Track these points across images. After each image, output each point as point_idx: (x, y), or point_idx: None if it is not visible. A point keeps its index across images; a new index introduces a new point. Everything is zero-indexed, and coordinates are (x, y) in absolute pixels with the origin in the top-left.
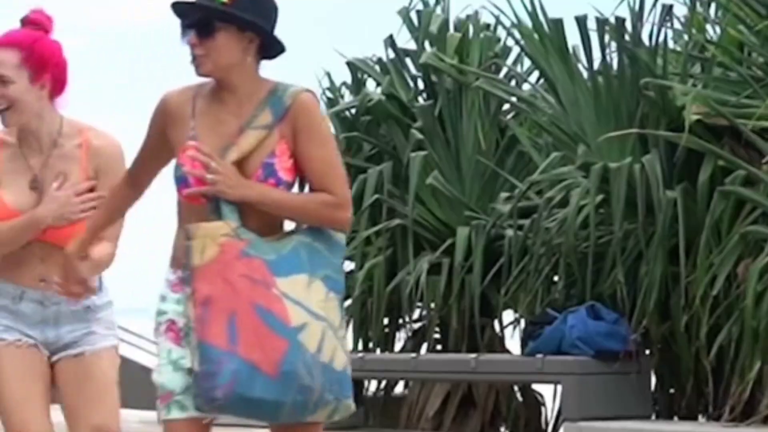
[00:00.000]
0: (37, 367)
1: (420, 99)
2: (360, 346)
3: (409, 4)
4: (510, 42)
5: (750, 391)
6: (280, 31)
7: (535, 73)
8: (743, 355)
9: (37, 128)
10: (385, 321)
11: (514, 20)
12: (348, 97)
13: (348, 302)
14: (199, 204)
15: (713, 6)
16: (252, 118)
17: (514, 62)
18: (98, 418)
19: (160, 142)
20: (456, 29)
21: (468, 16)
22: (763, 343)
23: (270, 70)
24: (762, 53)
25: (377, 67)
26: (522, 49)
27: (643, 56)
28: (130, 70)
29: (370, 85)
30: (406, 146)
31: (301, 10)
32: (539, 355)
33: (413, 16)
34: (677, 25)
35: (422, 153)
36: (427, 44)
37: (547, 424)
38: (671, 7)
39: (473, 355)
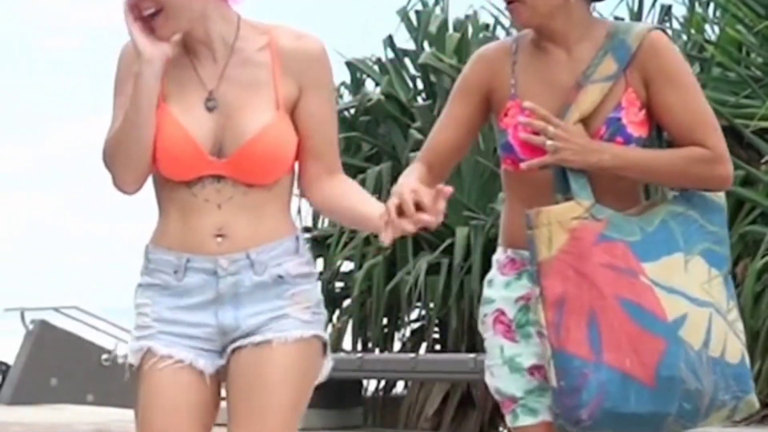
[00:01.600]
0: (195, 397)
1: (419, 99)
2: (359, 346)
3: (408, 4)
4: None
5: None
6: None
7: None
8: None
9: (206, 33)
10: (384, 321)
11: None
12: (347, 97)
13: (347, 302)
14: (533, 174)
15: (712, 6)
16: (591, 70)
17: None
18: None
19: (475, 105)
20: (455, 29)
21: (467, 16)
22: (762, 342)
23: None
24: (761, 53)
25: (376, 67)
26: None
27: None
28: None
29: (369, 85)
30: (405, 146)
31: (300, 10)
32: None
33: (412, 16)
34: (676, 25)
35: None
36: (426, 44)
37: None
38: (670, 7)
39: (472, 355)
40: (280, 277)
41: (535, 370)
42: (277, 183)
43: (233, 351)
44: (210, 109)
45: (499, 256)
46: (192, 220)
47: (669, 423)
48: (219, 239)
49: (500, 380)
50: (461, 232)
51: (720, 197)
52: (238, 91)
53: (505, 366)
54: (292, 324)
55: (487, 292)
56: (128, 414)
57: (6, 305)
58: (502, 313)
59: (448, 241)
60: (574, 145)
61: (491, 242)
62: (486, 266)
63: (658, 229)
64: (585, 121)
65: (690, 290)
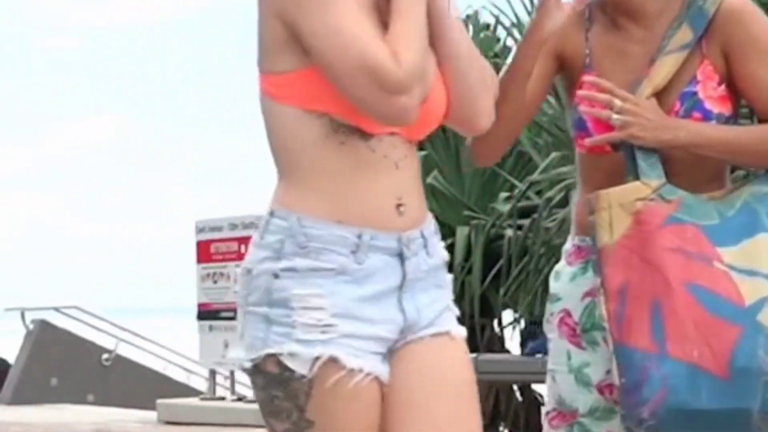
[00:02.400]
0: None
1: None
2: None
3: None
4: (510, 42)
5: None
6: None
7: None
8: None
9: None
10: None
11: (514, 20)
12: None
13: None
14: (606, 154)
15: None
16: (666, 41)
17: None
18: None
19: (545, 60)
20: None
21: (468, 16)
22: None
23: None
24: None
25: None
26: None
27: None
28: (125, 70)
29: None
30: None
31: None
32: (539, 355)
33: None
34: None
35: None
36: None
37: None
38: None
39: (473, 355)
40: (444, 260)
41: (606, 388)
42: None
43: (399, 348)
44: None
45: (567, 245)
46: (369, 182)
47: (755, 422)
48: (401, 209)
49: (565, 390)
50: (461, 232)
51: None
52: None
53: (572, 375)
54: (453, 318)
55: (553, 286)
56: (128, 414)
57: (6, 305)
58: (568, 314)
59: (448, 241)
60: (645, 120)
61: (491, 242)
62: (486, 266)
63: (739, 212)
64: (659, 98)
65: None
